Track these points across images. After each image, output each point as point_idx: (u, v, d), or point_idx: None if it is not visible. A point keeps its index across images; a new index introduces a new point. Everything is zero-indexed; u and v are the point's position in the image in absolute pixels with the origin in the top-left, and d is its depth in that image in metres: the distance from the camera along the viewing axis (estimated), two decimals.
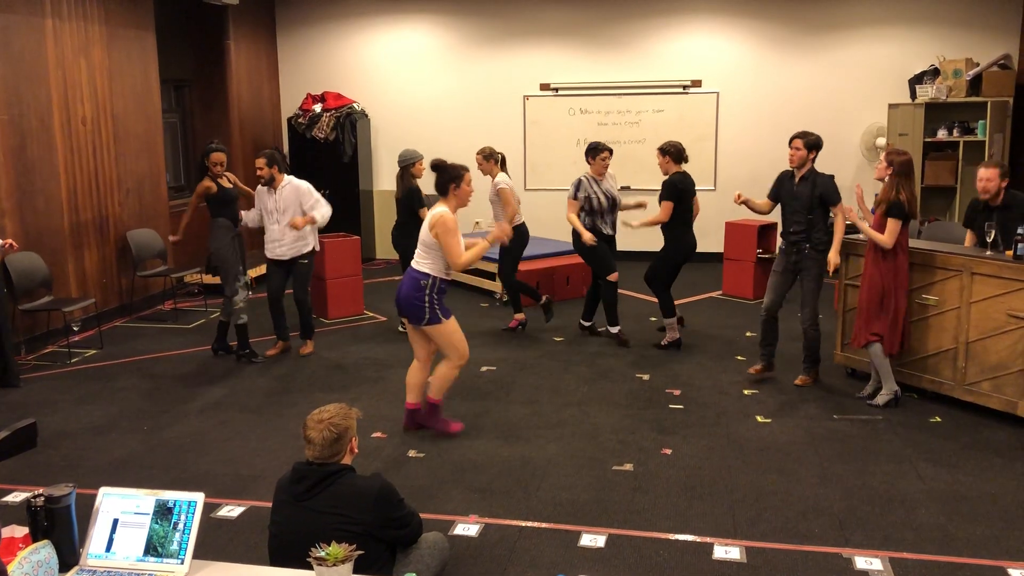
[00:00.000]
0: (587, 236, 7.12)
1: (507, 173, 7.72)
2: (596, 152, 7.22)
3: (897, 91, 10.32)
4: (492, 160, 7.64)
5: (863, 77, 10.55)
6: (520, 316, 7.91)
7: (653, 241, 7.45)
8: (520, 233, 7.65)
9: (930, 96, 9.78)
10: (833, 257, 5.97)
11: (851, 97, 10.62)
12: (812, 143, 6.04)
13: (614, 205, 7.30)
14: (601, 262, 7.32)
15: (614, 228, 7.38)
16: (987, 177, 5.78)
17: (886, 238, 5.58)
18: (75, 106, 7.92)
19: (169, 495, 2.73)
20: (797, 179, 6.09)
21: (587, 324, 7.74)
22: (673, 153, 7.07)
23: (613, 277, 7.29)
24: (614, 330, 7.46)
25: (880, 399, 5.84)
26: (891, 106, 10.08)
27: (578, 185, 7.21)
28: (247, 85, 11.00)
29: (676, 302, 8.87)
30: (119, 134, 8.57)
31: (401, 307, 5.24)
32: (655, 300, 7.49)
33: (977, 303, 5.55)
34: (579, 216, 7.24)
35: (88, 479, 4.76)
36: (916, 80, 10.08)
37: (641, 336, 7.66)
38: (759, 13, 10.72)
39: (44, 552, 2.52)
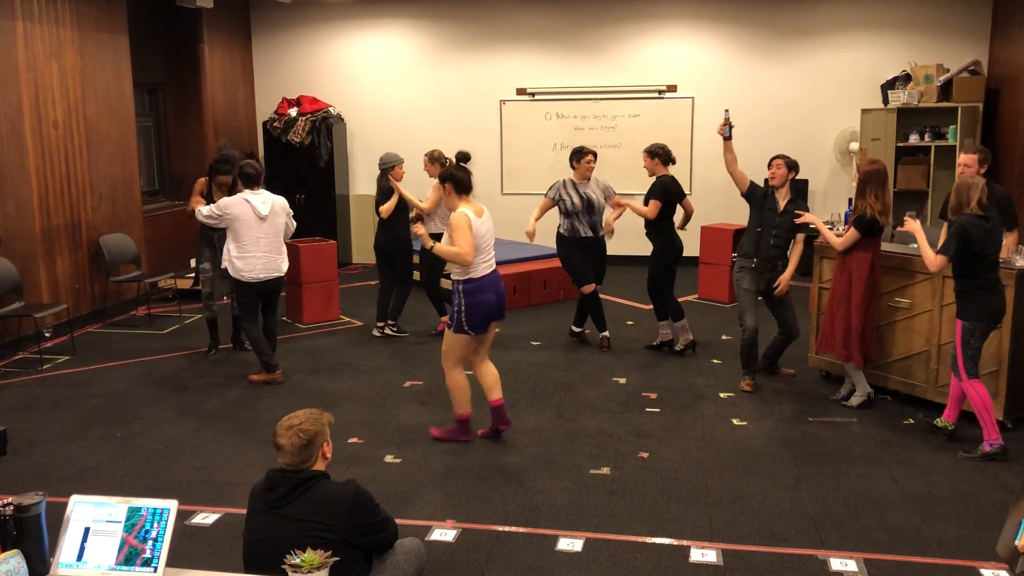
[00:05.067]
0: (530, 227, 7.25)
1: None
2: (580, 156, 7.22)
3: (869, 96, 10.42)
4: (437, 164, 7.64)
5: (836, 82, 10.65)
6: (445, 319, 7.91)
7: (641, 245, 7.45)
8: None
9: (902, 101, 9.88)
10: (785, 288, 6.20)
11: (824, 102, 10.71)
12: (792, 163, 6.16)
13: (591, 207, 7.21)
14: (575, 272, 7.33)
15: (594, 230, 7.26)
16: (966, 163, 5.74)
17: (840, 242, 5.66)
18: (46, 110, 7.83)
19: (142, 502, 2.71)
20: (784, 202, 6.14)
21: (577, 331, 7.70)
22: (661, 155, 7.10)
23: (586, 289, 7.29)
24: (602, 333, 7.49)
25: (854, 400, 5.89)
26: (864, 111, 10.18)
27: (552, 186, 7.31)
28: (222, 89, 10.93)
29: (652, 306, 8.92)
30: (92, 138, 8.48)
31: (502, 307, 5.26)
32: (644, 306, 7.49)
33: (949, 306, 5.60)
34: (559, 219, 7.30)
35: (59, 487, 4.70)
36: (888, 85, 10.19)
37: (617, 341, 7.67)
38: (733, 19, 10.79)
39: (13, 562, 2.48)
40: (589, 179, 7.26)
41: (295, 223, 6.76)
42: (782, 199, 6.15)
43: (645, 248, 7.36)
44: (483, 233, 5.10)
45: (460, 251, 4.97)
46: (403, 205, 7.67)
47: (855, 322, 5.72)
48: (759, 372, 6.49)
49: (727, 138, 6.35)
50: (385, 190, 7.67)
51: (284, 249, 6.63)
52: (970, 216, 4.94)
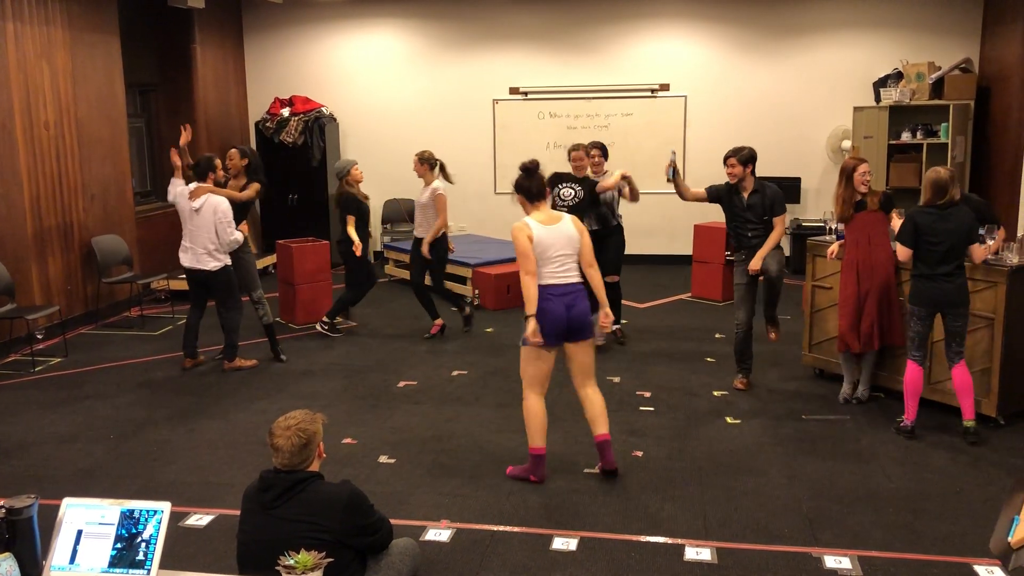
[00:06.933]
0: None
1: (443, 180, 7.72)
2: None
3: (862, 94, 10.44)
4: (427, 165, 7.61)
5: (828, 80, 10.67)
6: (439, 321, 7.93)
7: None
8: (445, 243, 7.78)
9: (894, 99, 9.91)
10: (756, 264, 6.05)
11: (817, 100, 10.73)
12: (746, 158, 6.09)
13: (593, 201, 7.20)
14: None
15: (602, 223, 7.21)
16: None
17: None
18: (37, 111, 7.80)
19: (134, 504, 2.70)
20: (747, 194, 6.12)
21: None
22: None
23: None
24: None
25: (865, 393, 5.97)
26: (856, 109, 10.20)
27: None
28: (214, 89, 10.90)
29: (645, 304, 8.93)
30: (83, 139, 8.45)
31: (576, 326, 4.66)
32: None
33: None
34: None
35: (52, 490, 4.68)
36: (880, 83, 10.22)
37: (612, 340, 7.67)
38: (726, 17, 10.80)
39: (5, 565, 2.47)
40: (599, 172, 7.23)
41: (236, 234, 6.68)
42: (746, 191, 6.13)
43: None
44: (548, 242, 4.61)
45: (524, 283, 4.56)
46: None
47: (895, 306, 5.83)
48: (769, 322, 6.47)
49: (670, 180, 6.35)
50: (346, 197, 7.62)
51: (213, 249, 6.64)
52: (919, 207, 5.24)
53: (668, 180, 6.34)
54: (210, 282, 6.77)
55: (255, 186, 7.15)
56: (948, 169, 5.33)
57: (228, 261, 6.78)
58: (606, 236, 7.24)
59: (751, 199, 6.09)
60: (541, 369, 4.69)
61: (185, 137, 7.23)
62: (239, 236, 6.77)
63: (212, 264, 6.69)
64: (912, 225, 5.22)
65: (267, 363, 7.13)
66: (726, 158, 6.12)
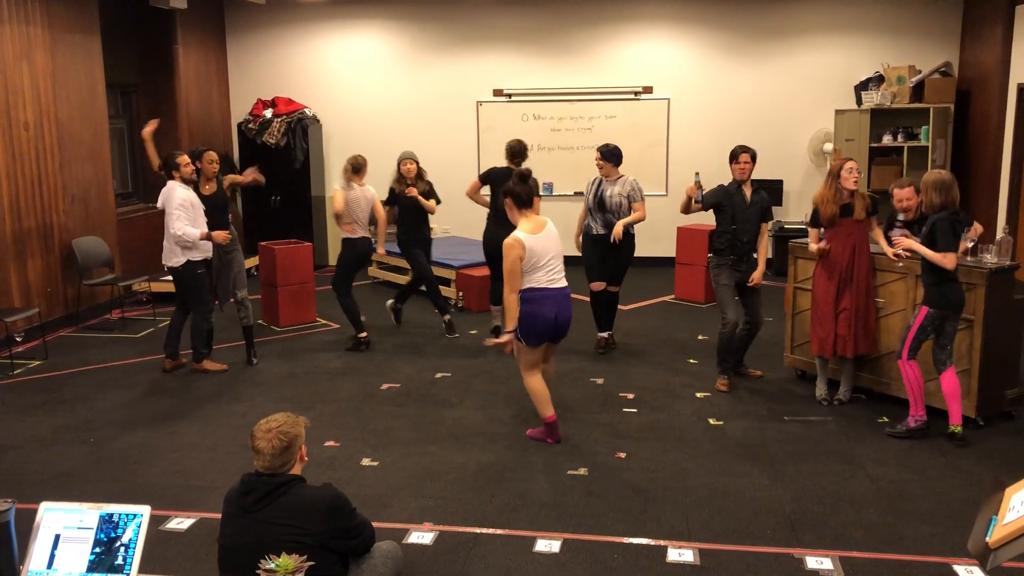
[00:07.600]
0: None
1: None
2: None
3: (843, 97, 10.51)
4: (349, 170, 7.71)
5: (810, 83, 10.73)
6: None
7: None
8: (365, 244, 7.76)
9: (875, 102, 9.98)
10: (759, 278, 6.23)
11: (799, 103, 10.79)
12: (754, 155, 6.23)
13: (602, 204, 6.99)
14: (585, 268, 7.22)
15: (608, 228, 6.96)
16: (906, 197, 5.72)
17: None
18: (16, 111, 7.73)
19: (114, 508, 2.68)
20: (750, 193, 6.18)
21: (603, 335, 7.48)
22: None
23: (592, 287, 7.17)
24: (599, 333, 7.39)
25: (846, 395, 6.01)
26: (838, 112, 10.27)
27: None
28: (196, 91, 10.84)
29: (629, 306, 8.95)
30: (63, 140, 8.38)
31: (561, 332, 5.28)
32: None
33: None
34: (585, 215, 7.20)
35: (31, 493, 4.63)
36: (861, 86, 10.29)
37: (590, 342, 7.67)
38: (709, 20, 10.85)
39: None
40: (608, 177, 7.03)
41: (186, 230, 6.51)
42: (748, 191, 6.19)
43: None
44: (539, 250, 5.06)
45: (507, 301, 5.10)
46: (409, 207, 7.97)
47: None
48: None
49: (699, 202, 6.29)
50: (389, 192, 8.18)
51: (170, 247, 6.62)
52: (949, 214, 5.14)
53: (697, 202, 6.29)
54: (176, 278, 6.76)
55: (229, 178, 7.49)
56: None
57: (192, 257, 6.65)
58: (609, 242, 6.97)
59: (754, 198, 6.20)
60: (535, 358, 5.27)
61: (149, 129, 7.49)
62: (190, 231, 6.50)
63: (173, 260, 6.64)
64: (954, 231, 5.12)
65: (243, 366, 7.09)
66: (738, 154, 6.15)
